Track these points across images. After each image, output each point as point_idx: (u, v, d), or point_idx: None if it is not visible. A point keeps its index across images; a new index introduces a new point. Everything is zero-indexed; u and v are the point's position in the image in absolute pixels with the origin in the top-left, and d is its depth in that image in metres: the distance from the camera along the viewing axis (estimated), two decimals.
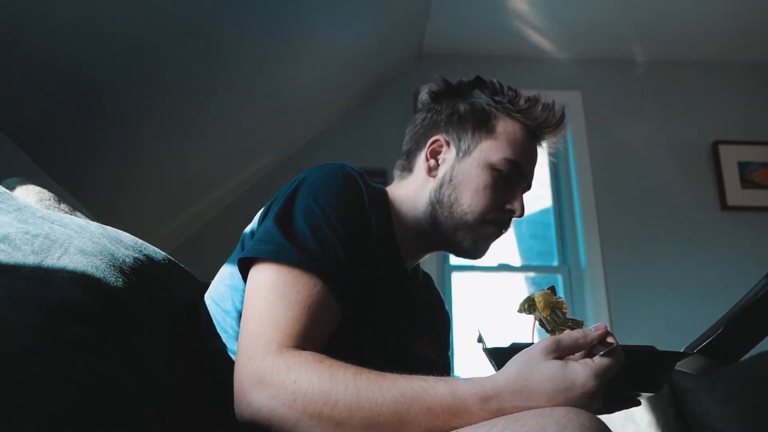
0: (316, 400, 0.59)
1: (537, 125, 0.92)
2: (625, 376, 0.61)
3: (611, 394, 0.63)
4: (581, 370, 0.57)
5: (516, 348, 0.64)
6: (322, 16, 1.84)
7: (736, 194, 2.47)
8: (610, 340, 0.61)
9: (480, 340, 0.74)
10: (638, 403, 0.69)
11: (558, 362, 0.58)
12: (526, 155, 0.91)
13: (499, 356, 0.69)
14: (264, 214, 0.79)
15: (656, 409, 1.80)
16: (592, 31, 2.52)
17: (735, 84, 2.68)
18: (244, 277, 0.73)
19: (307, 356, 0.62)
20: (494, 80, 0.95)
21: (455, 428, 0.59)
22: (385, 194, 0.93)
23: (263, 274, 0.69)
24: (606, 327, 0.62)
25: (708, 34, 2.52)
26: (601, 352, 0.59)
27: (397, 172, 0.99)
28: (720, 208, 2.47)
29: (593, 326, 0.62)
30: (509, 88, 0.94)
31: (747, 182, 2.49)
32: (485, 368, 0.78)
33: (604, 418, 0.57)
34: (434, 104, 0.97)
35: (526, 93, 0.94)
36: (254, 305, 0.68)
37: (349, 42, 2.15)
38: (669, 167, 2.55)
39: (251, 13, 1.55)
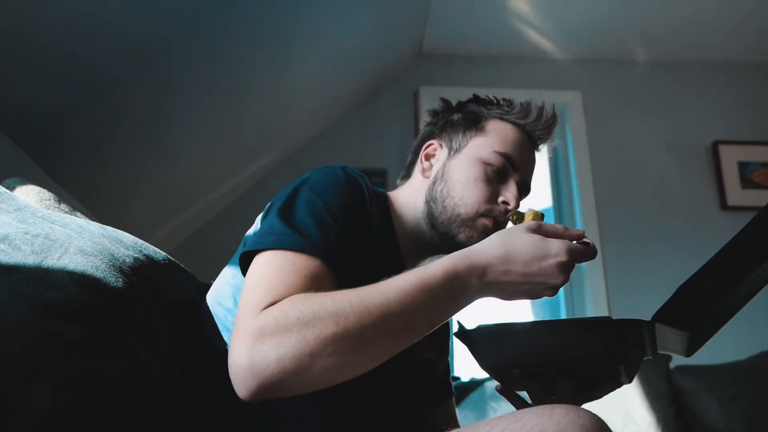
0: (327, 324, 0.57)
1: (529, 124, 0.92)
2: (589, 348, 0.65)
3: (584, 371, 0.69)
4: (557, 243, 0.65)
5: (482, 328, 0.70)
6: (322, 16, 1.84)
7: (736, 194, 2.47)
8: (587, 241, 0.68)
9: (460, 328, 0.75)
10: (620, 384, 0.72)
11: (537, 236, 0.66)
12: (518, 151, 0.91)
13: (468, 338, 0.73)
14: (265, 214, 0.78)
15: (656, 409, 1.80)
16: (592, 31, 2.52)
17: (735, 84, 2.68)
18: (245, 273, 0.72)
19: (297, 296, 0.61)
20: (490, 95, 0.97)
21: (456, 303, 0.65)
22: (385, 197, 0.94)
23: (262, 258, 0.68)
24: (584, 232, 0.70)
25: (708, 34, 2.52)
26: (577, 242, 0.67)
27: (398, 182, 1.01)
28: (720, 208, 2.47)
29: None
30: (504, 99, 0.96)
31: (747, 182, 2.49)
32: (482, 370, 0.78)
33: (603, 417, 0.57)
34: (432, 119, 1.00)
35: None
36: (248, 283, 0.66)
37: (349, 42, 2.15)
38: (669, 167, 2.55)
39: (252, 12, 1.55)
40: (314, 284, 0.65)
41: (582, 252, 0.66)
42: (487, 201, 0.88)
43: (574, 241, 0.68)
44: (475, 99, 0.98)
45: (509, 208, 0.88)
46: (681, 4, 2.32)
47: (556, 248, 0.65)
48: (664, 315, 0.65)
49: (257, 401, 0.58)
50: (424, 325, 0.64)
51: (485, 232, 0.89)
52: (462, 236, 0.89)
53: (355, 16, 2.01)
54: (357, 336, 0.58)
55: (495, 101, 0.96)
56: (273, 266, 0.66)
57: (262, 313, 0.60)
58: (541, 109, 0.93)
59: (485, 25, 2.48)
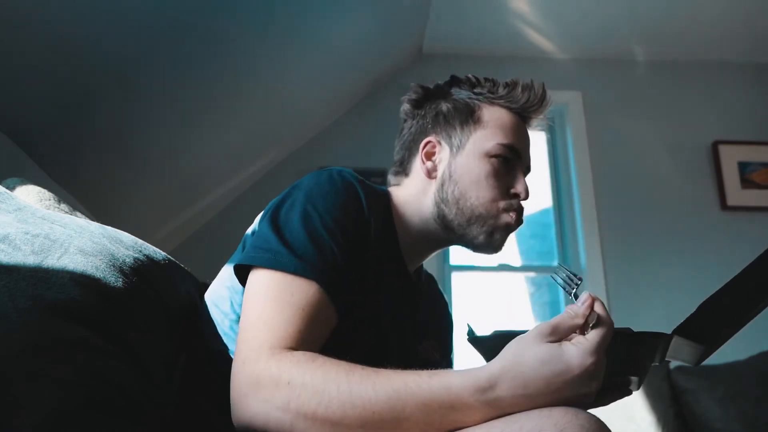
0: (309, 401, 0.58)
1: (521, 107, 0.91)
2: (608, 358, 0.61)
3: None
4: (576, 351, 0.55)
5: (498, 335, 0.66)
6: (322, 16, 1.84)
7: (736, 194, 2.47)
8: (597, 308, 0.60)
9: (470, 332, 0.74)
10: (629, 392, 0.68)
11: (553, 345, 0.56)
12: (518, 137, 0.90)
13: (482, 344, 0.71)
14: (262, 219, 0.78)
15: (656, 409, 1.80)
16: (592, 31, 2.52)
17: (735, 84, 2.68)
18: (242, 282, 0.73)
19: (299, 356, 0.62)
20: (469, 75, 0.95)
21: (454, 422, 0.57)
22: (387, 196, 0.92)
23: (259, 280, 0.69)
24: (590, 295, 0.61)
25: (708, 34, 2.52)
26: (590, 325, 0.58)
27: (391, 178, 0.98)
28: (720, 208, 2.47)
29: (579, 299, 0.62)
30: (486, 79, 0.94)
31: (747, 182, 2.49)
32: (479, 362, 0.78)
33: (603, 418, 0.57)
34: (417, 110, 0.97)
35: (503, 79, 0.94)
36: (249, 312, 0.68)
37: (349, 42, 2.15)
38: (669, 167, 2.55)
39: (252, 12, 1.55)
40: (314, 317, 0.67)
41: (602, 340, 0.57)
42: (502, 195, 0.88)
43: (588, 331, 0.58)
44: (455, 82, 0.96)
45: (521, 199, 0.89)
46: (681, 4, 2.32)
47: (577, 358, 0.55)
48: (686, 329, 0.65)
49: None
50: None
51: (505, 229, 0.89)
52: (482, 237, 0.88)
53: (355, 16, 2.01)
54: (336, 421, 0.58)
55: (477, 81, 0.94)
56: (270, 296, 0.67)
57: (263, 360, 0.62)
58: (530, 88, 0.91)
59: (485, 25, 2.48)
